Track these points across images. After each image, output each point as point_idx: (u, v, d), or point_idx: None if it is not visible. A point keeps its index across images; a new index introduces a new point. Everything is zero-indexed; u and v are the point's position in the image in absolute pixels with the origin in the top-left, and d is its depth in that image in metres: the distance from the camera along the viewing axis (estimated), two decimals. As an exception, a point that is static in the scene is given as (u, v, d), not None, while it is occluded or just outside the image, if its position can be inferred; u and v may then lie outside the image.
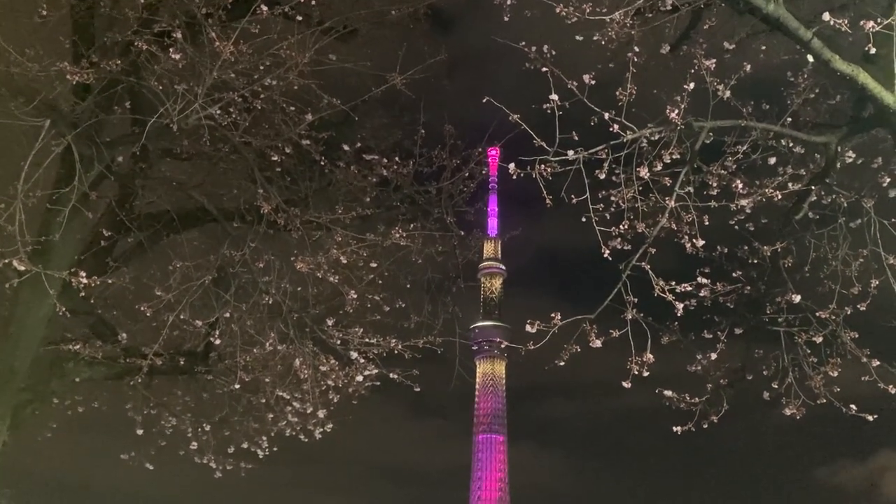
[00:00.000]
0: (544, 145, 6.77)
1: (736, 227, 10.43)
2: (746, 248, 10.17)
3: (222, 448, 12.11)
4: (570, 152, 7.17)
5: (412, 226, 10.67)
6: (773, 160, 8.97)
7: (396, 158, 10.30)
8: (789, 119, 8.57)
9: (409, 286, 11.74)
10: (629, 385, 7.96)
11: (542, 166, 6.83)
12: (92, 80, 7.83)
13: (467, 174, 10.96)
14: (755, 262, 10.22)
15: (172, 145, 9.49)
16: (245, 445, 11.88)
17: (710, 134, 8.77)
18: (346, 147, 10.20)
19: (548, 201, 7.01)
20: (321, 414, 10.80)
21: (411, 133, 10.59)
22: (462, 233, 11.17)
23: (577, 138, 6.91)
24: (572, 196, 7.08)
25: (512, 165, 7.06)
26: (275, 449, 11.90)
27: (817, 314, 9.45)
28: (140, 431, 11.16)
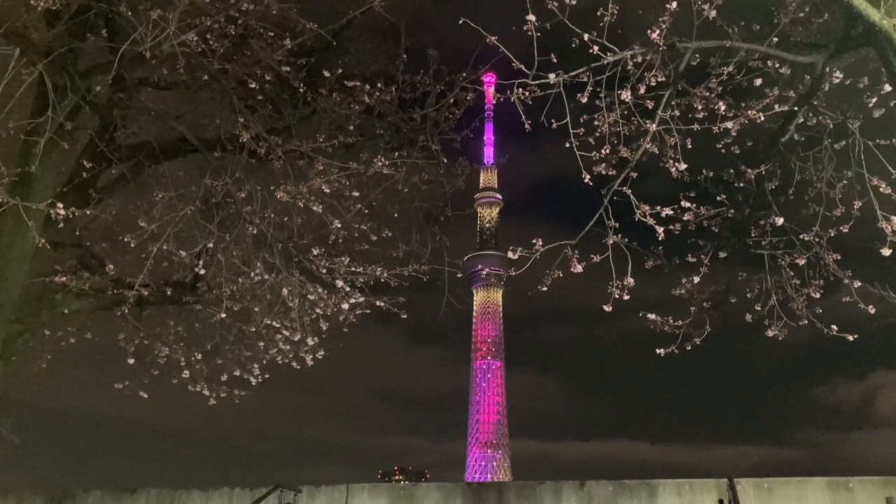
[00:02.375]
0: (523, 68, 6.64)
1: (722, 150, 10.38)
2: (732, 171, 10.14)
3: (215, 376, 12.30)
4: (552, 76, 7.05)
5: (397, 154, 10.57)
6: (758, 82, 8.82)
7: (379, 84, 10.13)
8: (776, 39, 8.39)
9: (396, 215, 11.71)
10: (610, 308, 8.04)
11: (521, 90, 6.71)
12: (58, 6, 7.62)
13: (452, 101, 10.80)
14: (740, 185, 10.20)
15: (149, 74, 9.32)
16: (237, 373, 12.07)
17: (696, 56, 8.63)
18: (327, 73, 10.01)
19: (526, 126, 6.94)
20: (311, 341, 10.92)
21: (396, 60, 10.39)
22: (446, 160, 11.07)
23: (555, 61, 6.77)
24: (552, 120, 7.00)
25: (491, 90, 6.95)
26: (267, 376, 12.08)
27: (801, 237, 9.50)
28: (131, 361, 11.29)
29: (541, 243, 7.53)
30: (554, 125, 7.04)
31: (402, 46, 10.16)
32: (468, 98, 10.76)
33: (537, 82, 6.78)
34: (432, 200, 12.09)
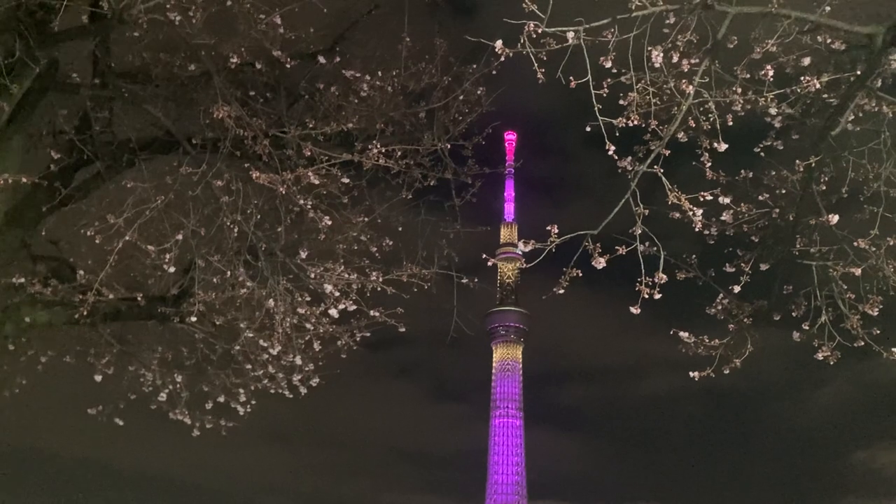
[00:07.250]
0: (535, 9, 5.62)
1: (762, 154, 9.30)
2: (773, 173, 9.06)
3: (199, 404, 11.22)
4: (570, 32, 6.04)
5: (399, 152, 9.55)
6: (807, 61, 7.74)
7: (379, 73, 9.18)
8: (828, 7, 7.31)
9: (400, 229, 10.68)
10: (638, 310, 6.83)
11: (533, 27, 5.62)
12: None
13: (461, 97, 9.81)
14: (782, 191, 9.10)
15: (125, 51, 8.45)
16: (222, 399, 10.96)
17: (734, 39, 7.62)
18: (322, 60, 9.10)
19: (539, 76, 5.88)
20: (299, 360, 9.78)
21: (399, 44, 9.45)
22: (454, 165, 9.98)
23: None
24: (570, 77, 5.96)
25: (499, 43, 5.92)
26: (254, 402, 10.95)
27: (855, 244, 8.29)
28: (98, 378, 10.19)
29: (557, 231, 6.41)
30: (573, 83, 5.99)
31: (405, 29, 9.23)
32: (479, 93, 9.78)
33: (553, 30, 5.75)
34: (440, 214, 11.04)
